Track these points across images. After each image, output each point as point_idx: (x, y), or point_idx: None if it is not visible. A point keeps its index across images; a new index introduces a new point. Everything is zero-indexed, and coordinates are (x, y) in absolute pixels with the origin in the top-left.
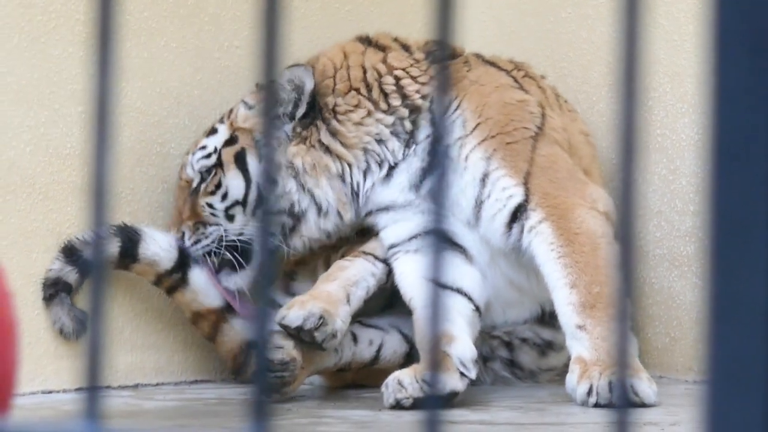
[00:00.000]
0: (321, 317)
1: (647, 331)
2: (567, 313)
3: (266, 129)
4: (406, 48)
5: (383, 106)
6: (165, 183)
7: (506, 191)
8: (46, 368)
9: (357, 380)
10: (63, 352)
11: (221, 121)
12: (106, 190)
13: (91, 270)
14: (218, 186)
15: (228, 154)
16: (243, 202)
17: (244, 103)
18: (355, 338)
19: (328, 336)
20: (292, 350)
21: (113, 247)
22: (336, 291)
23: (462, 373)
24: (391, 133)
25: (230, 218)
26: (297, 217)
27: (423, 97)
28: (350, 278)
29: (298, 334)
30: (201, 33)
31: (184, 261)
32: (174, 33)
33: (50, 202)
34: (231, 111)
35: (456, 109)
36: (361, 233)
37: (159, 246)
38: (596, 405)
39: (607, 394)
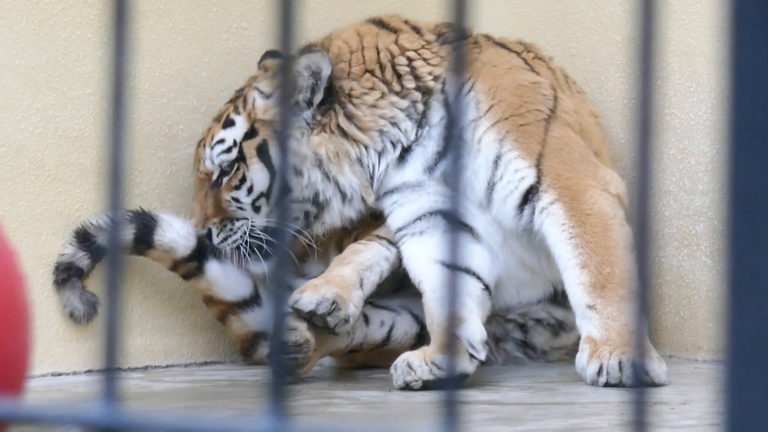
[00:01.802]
0: (334, 302)
1: (657, 311)
2: (577, 293)
3: (283, 118)
4: (416, 30)
5: (396, 88)
6: (174, 165)
7: (518, 173)
8: (55, 351)
9: (368, 361)
10: (72, 335)
11: (236, 111)
12: (122, 173)
13: (104, 255)
14: (243, 180)
15: (250, 147)
16: (267, 194)
17: (259, 91)
18: (366, 319)
19: (340, 321)
20: (305, 332)
21: (128, 233)
22: (350, 275)
23: (471, 355)
24: (405, 115)
25: (257, 210)
26: (321, 206)
27: (435, 79)
28: (364, 262)
29: (311, 319)
30: (209, 14)
31: (201, 251)
32: (182, 14)
33: (59, 184)
34: (245, 99)
35: (469, 91)
36: (374, 216)
37: (177, 233)
38: (606, 384)
39: (617, 373)
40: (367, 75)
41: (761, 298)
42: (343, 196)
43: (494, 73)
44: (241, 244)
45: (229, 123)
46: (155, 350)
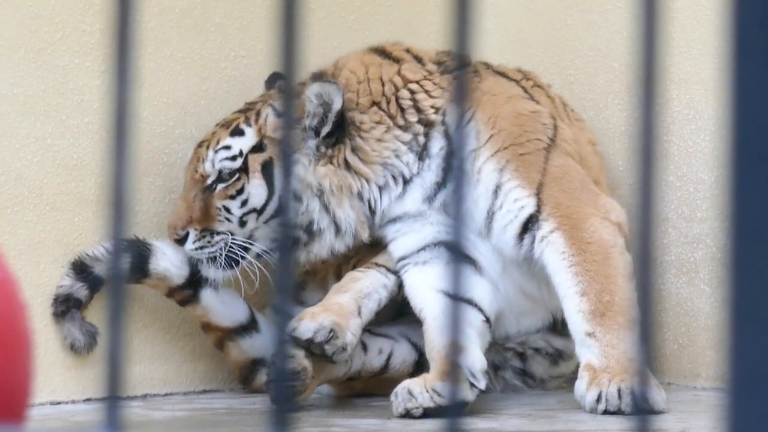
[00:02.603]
0: (331, 330)
1: (656, 338)
2: (577, 321)
3: (285, 142)
4: (418, 59)
5: (400, 122)
6: (172, 194)
7: (518, 202)
8: (54, 379)
9: (366, 389)
10: (71, 363)
11: (247, 122)
12: (125, 202)
13: (101, 285)
14: (240, 192)
15: (255, 161)
16: (260, 211)
17: (274, 109)
18: (364, 347)
19: (338, 349)
20: (303, 360)
21: (123, 261)
22: (348, 303)
23: (472, 384)
24: (408, 148)
25: (242, 224)
26: (313, 235)
27: (436, 111)
28: (362, 290)
29: (309, 347)
30: (207, 43)
31: (195, 278)
32: (180, 43)
33: (58, 213)
34: (258, 113)
35: (469, 121)
36: (372, 244)
37: (170, 261)
38: (605, 412)
39: (616, 400)
40: (374, 108)
41: (763, 325)
42: (338, 229)
43: (494, 102)
44: (217, 257)
45: (238, 132)
46: (154, 378)
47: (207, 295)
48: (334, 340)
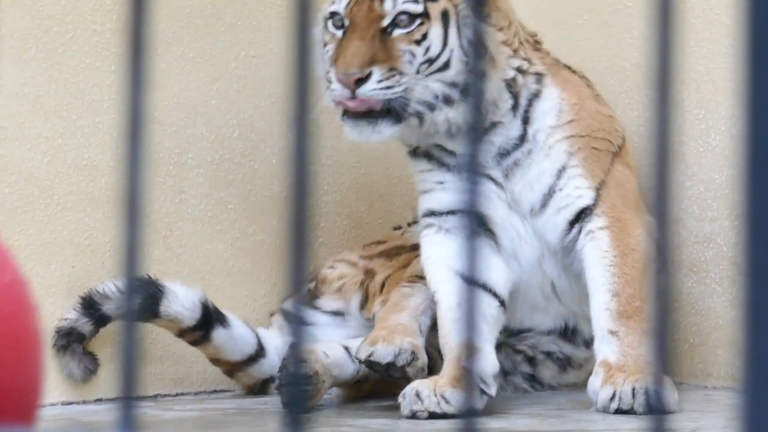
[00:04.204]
0: (412, 352)
1: (672, 341)
2: (603, 317)
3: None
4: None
5: (516, 62)
6: (182, 194)
7: (578, 190)
8: (65, 379)
9: (374, 391)
10: None
11: None
12: (140, 204)
13: (108, 322)
14: (424, 37)
15: (434, 9)
16: (432, 61)
17: None
18: None
19: (418, 370)
20: (314, 364)
21: (134, 302)
22: (409, 323)
23: (482, 390)
24: (509, 90)
25: (417, 72)
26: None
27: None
28: (418, 307)
29: (387, 370)
30: (217, 42)
31: (207, 320)
32: (190, 43)
33: (68, 213)
34: None
35: (555, 98)
36: (391, 253)
37: (182, 305)
38: (617, 410)
39: (630, 399)
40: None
41: None
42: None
43: (579, 92)
44: (392, 99)
45: None
46: (165, 378)
47: (219, 335)
48: (415, 362)
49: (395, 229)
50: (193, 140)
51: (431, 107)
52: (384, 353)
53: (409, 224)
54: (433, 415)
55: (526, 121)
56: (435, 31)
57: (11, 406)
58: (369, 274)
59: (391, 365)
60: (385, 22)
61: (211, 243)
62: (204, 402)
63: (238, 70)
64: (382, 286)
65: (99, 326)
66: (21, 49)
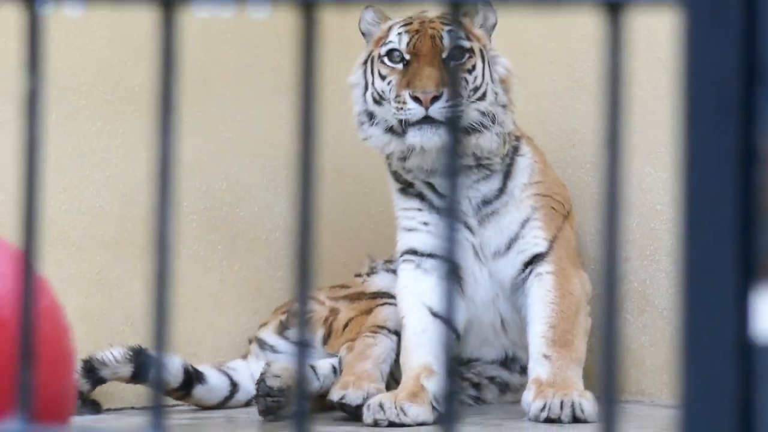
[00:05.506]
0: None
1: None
2: (539, 344)
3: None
4: None
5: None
6: (179, 236)
7: (536, 239)
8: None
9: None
10: None
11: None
12: (170, 245)
13: (102, 383)
14: (473, 68)
15: (476, 47)
16: (475, 90)
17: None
18: (335, 370)
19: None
20: (288, 379)
21: (126, 370)
22: (372, 370)
23: (433, 407)
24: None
25: (467, 99)
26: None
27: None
28: (380, 356)
29: (356, 411)
30: (209, 110)
31: (188, 382)
32: (186, 109)
33: (82, 253)
34: (465, 13)
35: (530, 158)
36: (353, 297)
37: (168, 372)
38: (546, 419)
39: (558, 410)
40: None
41: (713, 351)
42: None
43: (542, 158)
44: (452, 119)
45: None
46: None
47: (198, 391)
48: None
49: (356, 276)
50: (188, 192)
51: (471, 129)
52: (354, 397)
53: (367, 273)
54: (392, 424)
55: (507, 175)
56: (479, 65)
57: (49, 415)
58: (333, 312)
59: (359, 407)
60: (444, 54)
61: (203, 279)
62: (198, 411)
63: (226, 133)
64: (345, 325)
65: (95, 386)
66: (44, 115)
